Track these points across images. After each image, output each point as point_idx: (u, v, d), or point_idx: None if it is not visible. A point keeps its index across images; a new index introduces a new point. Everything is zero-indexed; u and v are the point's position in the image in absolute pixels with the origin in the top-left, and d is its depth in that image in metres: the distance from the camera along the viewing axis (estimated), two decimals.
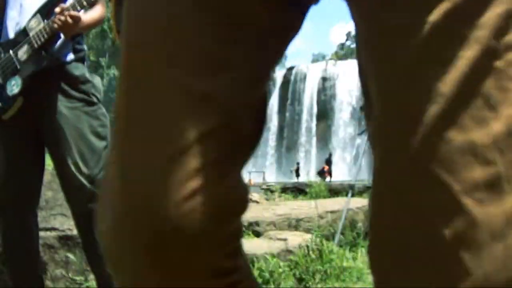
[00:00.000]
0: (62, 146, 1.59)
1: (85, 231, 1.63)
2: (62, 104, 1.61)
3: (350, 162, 34.22)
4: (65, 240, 2.24)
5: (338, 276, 2.15)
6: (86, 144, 1.61)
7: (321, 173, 17.33)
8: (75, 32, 1.60)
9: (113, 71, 49.19)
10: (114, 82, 48.02)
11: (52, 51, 1.61)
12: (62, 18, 1.50)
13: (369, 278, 2.25)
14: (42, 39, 1.56)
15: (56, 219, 2.30)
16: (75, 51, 1.69)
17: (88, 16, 1.67)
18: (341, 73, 38.89)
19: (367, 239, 3.13)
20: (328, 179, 16.66)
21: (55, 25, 1.53)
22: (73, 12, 1.51)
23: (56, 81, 1.63)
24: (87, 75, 1.69)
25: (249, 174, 32.68)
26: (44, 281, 1.78)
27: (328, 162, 18.12)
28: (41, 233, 2.23)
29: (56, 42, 1.62)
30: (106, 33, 51.14)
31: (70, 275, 2.19)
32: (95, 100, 1.68)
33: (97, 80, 1.74)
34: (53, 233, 2.24)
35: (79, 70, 1.67)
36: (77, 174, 1.57)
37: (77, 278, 2.18)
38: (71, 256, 2.19)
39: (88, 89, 1.67)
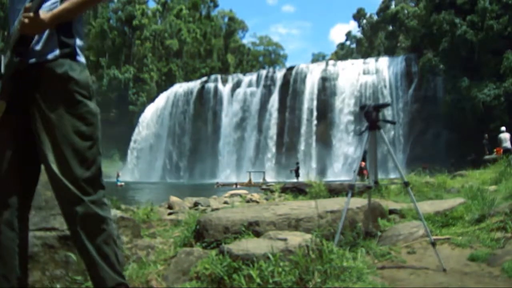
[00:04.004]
0: (45, 147, 1.57)
1: (73, 233, 1.62)
2: (44, 105, 1.59)
3: (350, 162, 34.19)
4: (65, 240, 2.23)
5: (338, 276, 2.15)
6: (68, 145, 1.58)
7: (360, 171, 17.07)
8: (43, 28, 1.55)
9: (113, 71, 49.16)
10: (114, 82, 47.98)
11: (25, 52, 1.58)
12: (21, 18, 1.50)
13: (369, 278, 2.25)
14: (14, 42, 1.55)
15: (56, 219, 2.30)
16: (62, 46, 1.63)
17: (68, 1, 1.60)
18: (341, 73, 38.88)
19: (367, 239, 3.13)
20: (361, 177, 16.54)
21: (19, 27, 1.52)
22: (26, 13, 1.49)
23: (37, 81, 1.59)
24: (72, 72, 1.62)
25: (249, 174, 32.76)
26: (27, 283, 1.74)
27: (364, 159, 17.81)
28: (41, 233, 2.23)
29: (28, 43, 1.59)
30: (106, 33, 51.15)
31: (70, 274, 2.19)
32: (79, 98, 1.62)
33: (83, 75, 1.67)
34: (53, 233, 2.24)
35: (63, 67, 1.61)
36: (60, 176, 1.56)
37: (77, 277, 2.18)
38: (71, 255, 2.19)
39: (72, 86, 1.61)
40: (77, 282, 2.17)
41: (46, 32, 1.60)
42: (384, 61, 38.94)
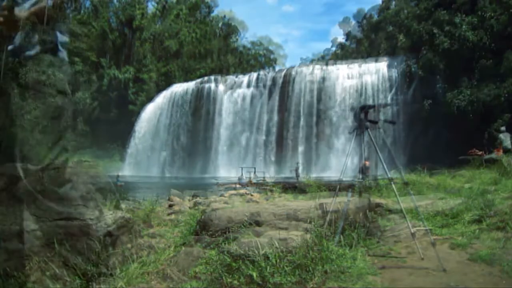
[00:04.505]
0: (17, 144, 1.59)
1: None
2: (20, 98, 1.61)
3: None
4: (65, 239, 2.23)
5: (338, 276, 2.15)
6: (36, 137, 1.60)
7: (363, 170, 17.07)
8: (19, 25, 1.57)
9: (113, 71, 49.12)
10: (114, 82, 47.95)
11: (5, 50, 1.60)
12: None
13: (369, 278, 2.25)
14: None
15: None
16: (43, 42, 1.66)
17: None
18: (341, 73, 38.86)
19: (367, 239, 3.13)
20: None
21: None
22: (1, 12, 1.51)
23: (14, 78, 1.61)
24: (51, 67, 1.65)
25: (249, 174, 32.72)
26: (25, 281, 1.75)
27: (368, 159, 17.78)
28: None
29: (9, 40, 1.60)
30: (106, 34, 51.10)
31: (70, 275, 2.19)
32: (52, 91, 1.65)
33: (62, 70, 1.69)
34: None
35: (43, 63, 1.64)
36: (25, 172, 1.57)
37: (77, 278, 2.18)
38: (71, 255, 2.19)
39: (48, 80, 1.64)
40: (77, 282, 2.17)
41: (27, 29, 1.61)
42: (384, 61, 38.93)
